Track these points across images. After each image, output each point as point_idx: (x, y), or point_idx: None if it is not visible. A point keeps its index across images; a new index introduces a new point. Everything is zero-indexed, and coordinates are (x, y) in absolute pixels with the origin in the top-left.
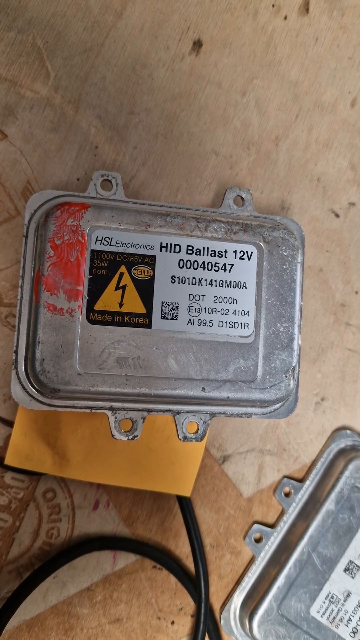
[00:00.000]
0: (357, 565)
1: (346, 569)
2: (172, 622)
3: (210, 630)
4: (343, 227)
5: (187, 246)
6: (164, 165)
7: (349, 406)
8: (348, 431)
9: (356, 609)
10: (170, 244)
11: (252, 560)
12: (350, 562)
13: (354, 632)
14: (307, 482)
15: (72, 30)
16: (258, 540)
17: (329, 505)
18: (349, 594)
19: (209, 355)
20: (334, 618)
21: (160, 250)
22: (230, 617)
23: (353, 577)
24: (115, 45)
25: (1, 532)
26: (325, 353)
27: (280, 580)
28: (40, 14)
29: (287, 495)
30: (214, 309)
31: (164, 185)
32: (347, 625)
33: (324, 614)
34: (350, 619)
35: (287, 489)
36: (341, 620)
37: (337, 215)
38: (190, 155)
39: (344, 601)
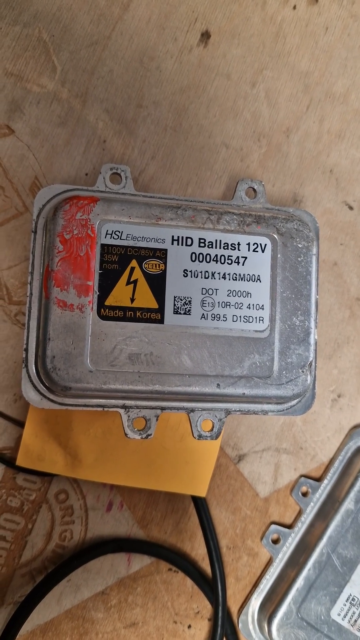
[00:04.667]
0: None
1: None
2: (189, 626)
3: (228, 634)
4: (357, 220)
5: (199, 239)
6: (174, 159)
7: None
8: None
9: None
10: (182, 237)
11: (269, 562)
12: None
13: None
14: (325, 481)
15: (79, 24)
16: (275, 542)
17: (348, 504)
18: None
19: (223, 350)
20: (356, 621)
21: (172, 244)
22: (249, 620)
23: None
24: (122, 37)
25: (13, 535)
26: (341, 348)
27: (299, 582)
28: (46, 8)
29: (304, 494)
30: (228, 303)
31: (174, 178)
32: None
33: (345, 616)
34: None
35: (304, 489)
36: None
37: (351, 208)
38: (200, 148)
39: None
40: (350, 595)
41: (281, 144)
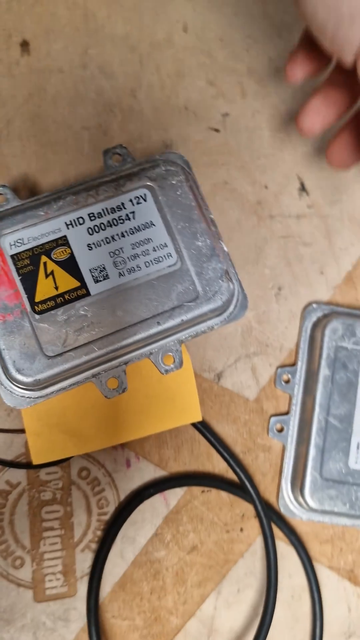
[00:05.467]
0: None
1: None
2: (241, 529)
3: (274, 520)
4: (227, 138)
5: (89, 214)
6: (47, 160)
7: (305, 284)
8: (314, 305)
9: None
10: (74, 220)
11: (283, 449)
12: None
13: None
14: (299, 363)
15: None
16: (280, 430)
17: (324, 372)
18: None
19: (150, 293)
20: None
21: (68, 229)
22: (287, 503)
23: None
24: None
25: (60, 522)
26: (263, 250)
27: (312, 452)
28: None
29: (287, 382)
30: (136, 255)
31: (55, 177)
32: None
33: None
34: None
35: (285, 377)
36: None
37: (217, 130)
38: (65, 141)
39: None
40: (358, 443)
41: (132, 105)
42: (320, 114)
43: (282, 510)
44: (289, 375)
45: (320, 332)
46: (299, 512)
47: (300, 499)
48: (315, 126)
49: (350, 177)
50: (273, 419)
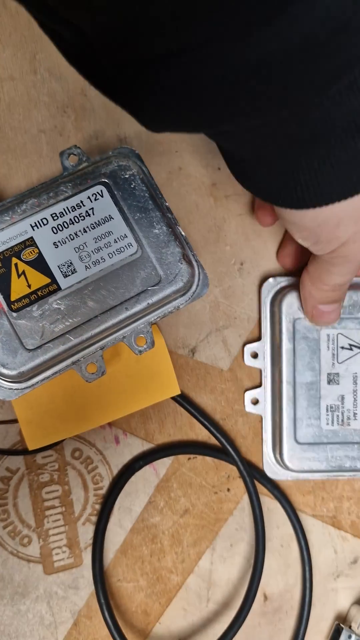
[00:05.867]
0: (335, 373)
1: (329, 381)
2: (228, 490)
3: (258, 478)
4: None
5: (51, 215)
6: (9, 166)
7: (265, 257)
8: (270, 280)
9: (354, 404)
10: (38, 221)
11: (261, 420)
12: (328, 374)
13: None
14: (263, 337)
15: None
16: (255, 403)
17: (287, 345)
18: (342, 397)
19: (115, 282)
20: (342, 420)
21: (33, 230)
22: (270, 465)
23: (338, 384)
24: None
25: (60, 500)
26: (222, 229)
27: (285, 420)
28: None
29: (254, 357)
30: (99, 248)
31: (19, 181)
32: (355, 419)
33: (333, 422)
34: (355, 413)
35: (252, 352)
36: (348, 418)
37: None
38: (23, 145)
39: (342, 404)
40: (327, 405)
41: (84, 104)
42: (294, 255)
43: (269, 474)
44: (256, 351)
45: (278, 308)
46: (282, 474)
47: (282, 463)
48: (295, 263)
49: None
50: (247, 394)
